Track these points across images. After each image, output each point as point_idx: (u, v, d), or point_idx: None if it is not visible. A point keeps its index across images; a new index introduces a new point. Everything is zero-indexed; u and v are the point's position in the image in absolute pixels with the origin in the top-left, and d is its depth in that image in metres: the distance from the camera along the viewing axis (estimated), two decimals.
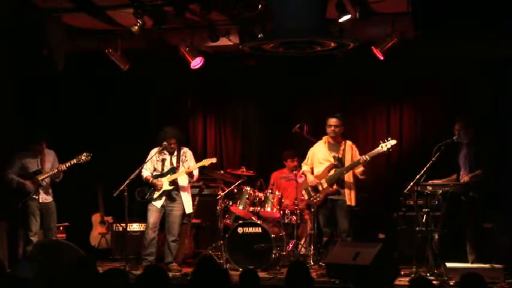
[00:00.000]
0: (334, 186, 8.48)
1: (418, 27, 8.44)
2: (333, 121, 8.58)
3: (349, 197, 8.42)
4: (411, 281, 5.06)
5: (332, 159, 8.54)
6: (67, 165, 8.71)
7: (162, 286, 4.98)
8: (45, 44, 8.91)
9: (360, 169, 8.43)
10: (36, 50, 9.00)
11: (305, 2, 6.94)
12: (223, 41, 9.19)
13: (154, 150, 8.81)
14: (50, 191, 8.86)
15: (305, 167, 8.79)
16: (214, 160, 8.86)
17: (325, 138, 8.69)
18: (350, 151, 8.52)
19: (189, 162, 8.82)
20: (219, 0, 8.37)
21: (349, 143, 8.60)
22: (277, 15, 7.12)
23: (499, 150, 8.25)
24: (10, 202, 8.76)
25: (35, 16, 8.78)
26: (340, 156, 8.53)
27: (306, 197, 8.69)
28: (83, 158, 8.73)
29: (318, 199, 8.54)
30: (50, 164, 8.84)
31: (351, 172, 8.44)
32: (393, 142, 8.31)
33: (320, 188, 8.54)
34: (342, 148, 8.55)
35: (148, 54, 9.88)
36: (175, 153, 8.83)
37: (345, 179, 8.44)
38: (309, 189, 8.64)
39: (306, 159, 8.81)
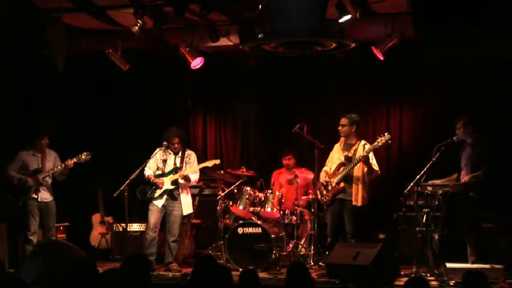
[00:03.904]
0: (341, 184, 8.47)
1: (418, 27, 8.44)
2: (341, 120, 8.60)
3: (356, 197, 8.36)
4: (407, 282, 5.03)
5: (343, 159, 8.54)
6: (73, 162, 8.71)
7: (145, 273, 5.03)
8: (45, 44, 8.91)
9: (365, 168, 8.42)
10: (36, 50, 9.00)
11: (305, 2, 6.94)
12: (223, 41, 9.19)
13: (157, 150, 8.83)
14: (51, 190, 8.87)
15: (325, 168, 8.76)
16: (217, 162, 8.86)
17: (342, 139, 8.70)
18: (362, 150, 8.46)
19: (191, 165, 8.83)
20: (219, 0, 8.37)
21: (362, 142, 8.53)
22: (277, 15, 7.12)
23: (498, 151, 8.24)
24: (10, 201, 8.76)
25: (35, 16, 8.78)
26: (350, 155, 8.52)
27: (319, 196, 8.68)
28: (83, 157, 8.74)
29: (327, 198, 8.54)
30: (51, 163, 8.86)
31: (360, 168, 8.40)
32: (387, 137, 8.28)
33: (329, 187, 8.54)
34: (354, 148, 8.54)
35: (148, 54, 9.88)
36: (180, 153, 8.84)
37: (354, 176, 8.40)
38: (322, 188, 8.63)
39: (327, 161, 8.81)
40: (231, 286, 5.11)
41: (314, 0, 7.04)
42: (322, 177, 8.64)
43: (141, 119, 10.60)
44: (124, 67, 9.58)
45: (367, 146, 8.42)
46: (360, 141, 8.58)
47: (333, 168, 8.62)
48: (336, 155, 8.66)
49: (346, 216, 8.43)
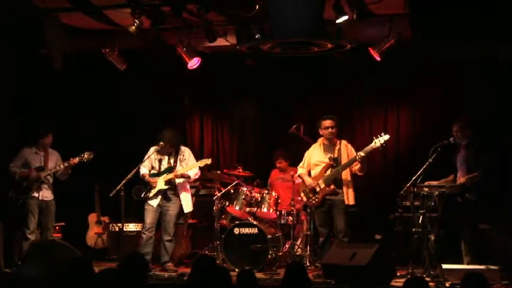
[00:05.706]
0: (332, 186, 8.46)
1: (415, 28, 8.44)
2: (328, 123, 8.54)
3: (347, 196, 8.39)
4: (406, 282, 5.04)
5: (327, 160, 8.53)
6: (76, 161, 8.73)
7: (142, 272, 5.04)
8: (42, 43, 8.90)
9: (357, 166, 8.42)
10: (35, 50, 8.99)
11: (302, 3, 6.94)
12: (220, 42, 9.18)
13: (152, 149, 8.83)
14: (52, 189, 8.88)
15: (301, 170, 8.74)
16: (209, 161, 8.86)
17: (320, 140, 8.67)
18: (345, 150, 8.50)
19: (187, 161, 8.83)
20: (216, 0, 8.36)
21: (344, 142, 8.58)
22: (274, 16, 7.11)
23: (497, 152, 8.25)
24: (11, 199, 8.75)
25: (33, 16, 8.77)
26: (335, 156, 8.52)
27: (305, 199, 8.67)
28: (86, 156, 8.80)
29: (316, 200, 8.53)
30: (54, 162, 8.91)
31: (348, 170, 8.41)
32: (386, 137, 8.27)
33: (318, 189, 8.52)
34: (337, 148, 8.54)
35: (146, 54, 9.87)
36: (173, 153, 8.84)
37: (343, 177, 8.42)
38: (307, 190, 8.61)
39: (302, 162, 8.78)
40: (230, 286, 5.11)
41: (311, 1, 7.03)
42: (309, 181, 8.56)
43: (138, 118, 10.59)
44: (121, 67, 9.58)
45: (350, 146, 8.50)
46: (340, 141, 8.58)
47: (315, 170, 8.58)
48: (316, 157, 8.61)
49: (337, 215, 8.42)
